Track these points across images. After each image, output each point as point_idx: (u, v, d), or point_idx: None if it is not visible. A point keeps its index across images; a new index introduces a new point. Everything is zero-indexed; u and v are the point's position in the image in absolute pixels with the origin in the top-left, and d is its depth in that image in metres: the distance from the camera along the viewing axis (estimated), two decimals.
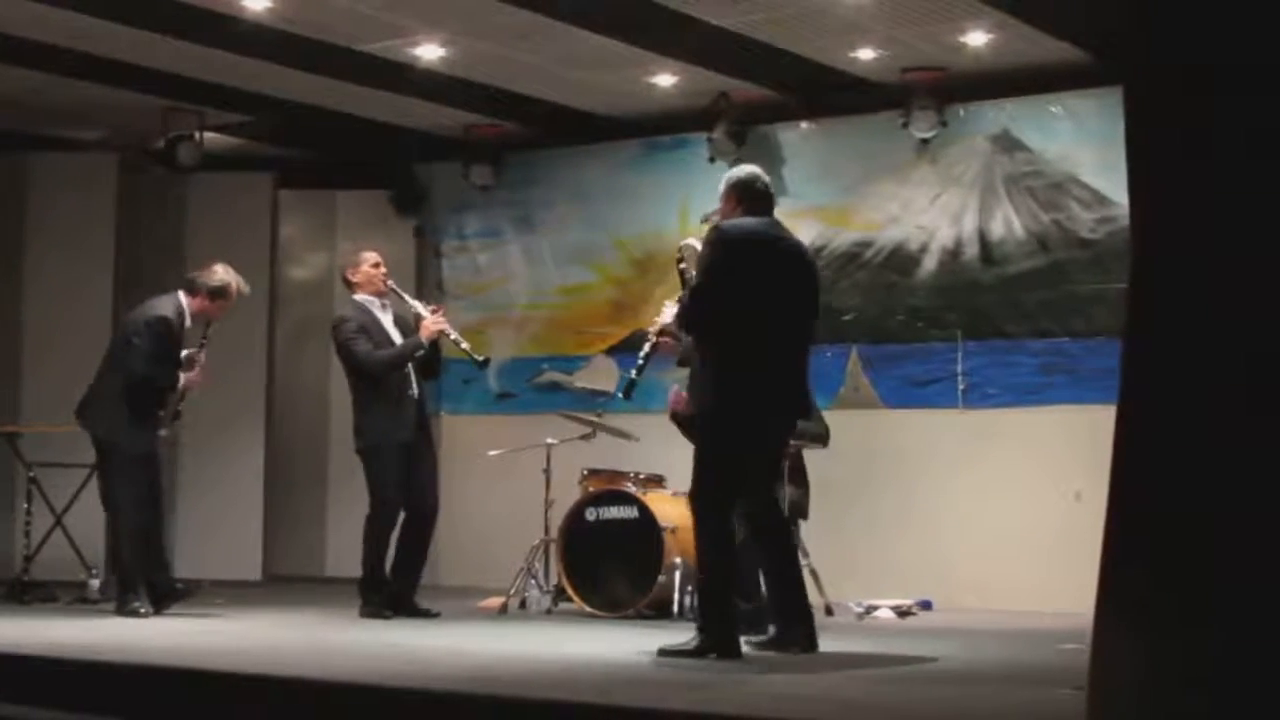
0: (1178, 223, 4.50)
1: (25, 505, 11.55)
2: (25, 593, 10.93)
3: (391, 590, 10.01)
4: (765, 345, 7.95)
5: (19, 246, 13.50)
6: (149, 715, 6.71)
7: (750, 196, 8.12)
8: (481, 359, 10.61)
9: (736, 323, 7.86)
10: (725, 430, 7.92)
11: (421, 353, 10.06)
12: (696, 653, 7.62)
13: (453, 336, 10.21)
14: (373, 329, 10.06)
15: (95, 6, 10.66)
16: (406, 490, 10.07)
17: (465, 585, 12.62)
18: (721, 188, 8.21)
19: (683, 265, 8.67)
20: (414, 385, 10.08)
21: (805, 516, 10.78)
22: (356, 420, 10.09)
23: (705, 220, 8.38)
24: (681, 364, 9.20)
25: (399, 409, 10.01)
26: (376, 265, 10.17)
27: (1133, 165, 4.68)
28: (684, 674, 7.17)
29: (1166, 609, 4.35)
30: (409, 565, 10.16)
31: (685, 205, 12.68)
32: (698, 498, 7.97)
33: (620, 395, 9.53)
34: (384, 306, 10.20)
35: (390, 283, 10.22)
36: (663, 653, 7.70)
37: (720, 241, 7.91)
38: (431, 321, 10.08)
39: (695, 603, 8.20)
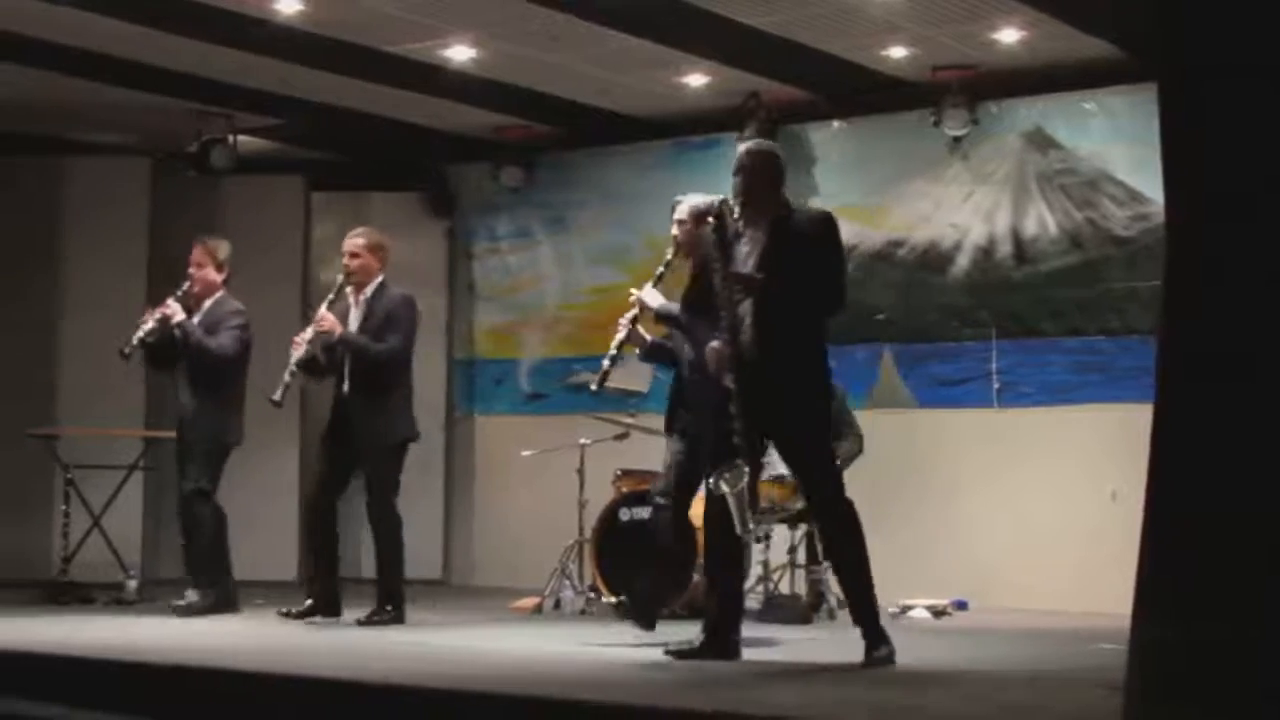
0: (1213, 220, 4.49)
1: (63, 507, 11.61)
2: (63, 594, 10.97)
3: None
4: None
5: (54, 251, 13.55)
6: (188, 716, 6.73)
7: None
8: (275, 399, 9.74)
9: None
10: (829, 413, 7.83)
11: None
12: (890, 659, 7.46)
13: (289, 366, 9.71)
14: None
15: (127, 12, 10.70)
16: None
17: (499, 586, 12.64)
18: (758, 162, 7.76)
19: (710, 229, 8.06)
20: (343, 386, 9.80)
21: None
22: None
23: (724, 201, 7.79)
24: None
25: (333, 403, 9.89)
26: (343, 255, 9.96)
27: (1167, 162, 4.67)
28: (718, 674, 7.17)
29: (1206, 609, 4.33)
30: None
31: None
32: (840, 496, 7.67)
33: (593, 389, 9.00)
34: (355, 299, 9.94)
35: (339, 276, 9.91)
36: (874, 663, 7.41)
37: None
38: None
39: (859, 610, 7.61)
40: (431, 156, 14.33)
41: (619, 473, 10.95)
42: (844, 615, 10.24)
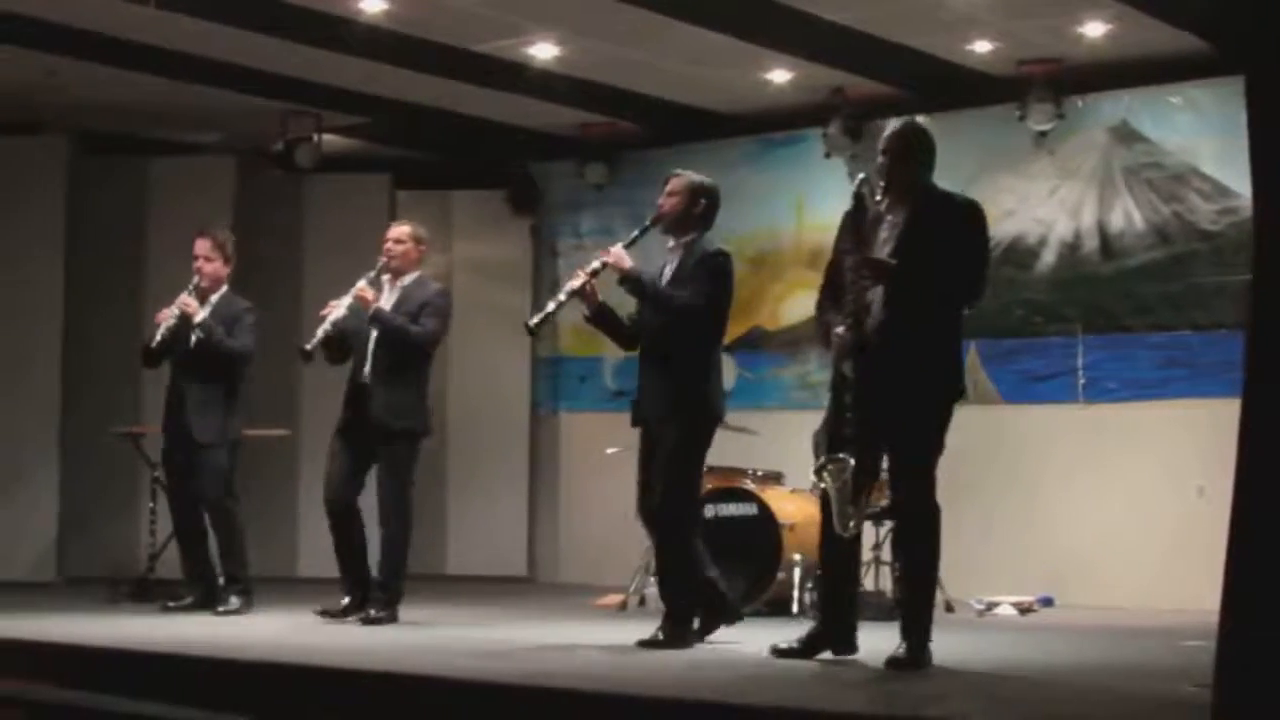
0: None
1: (150, 505, 11.69)
2: (151, 591, 11.03)
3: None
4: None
5: (140, 249, 13.63)
6: (280, 713, 6.77)
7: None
8: (307, 348, 9.53)
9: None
10: (949, 416, 7.50)
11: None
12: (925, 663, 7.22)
13: (325, 324, 9.51)
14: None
15: (213, 11, 10.77)
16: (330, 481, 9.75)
17: (584, 583, 12.66)
18: (901, 143, 7.54)
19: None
20: (362, 371, 9.60)
21: None
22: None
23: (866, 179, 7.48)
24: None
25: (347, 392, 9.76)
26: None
27: (1255, 157, 4.63)
28: (803, 672, 7.16)
29: None
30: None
31: (800, 202, 12.66)
32: (930, 501, 7.38)
33: (530, 325, 8.56)
34: (390, 285, 9.75)
35: (381, 259, 9.72)
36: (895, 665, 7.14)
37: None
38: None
39: (906, 610, 7.36)
40: (516, 154, 14.37)
41: (704, 469, 10.92)
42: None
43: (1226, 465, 4.68)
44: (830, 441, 7.37)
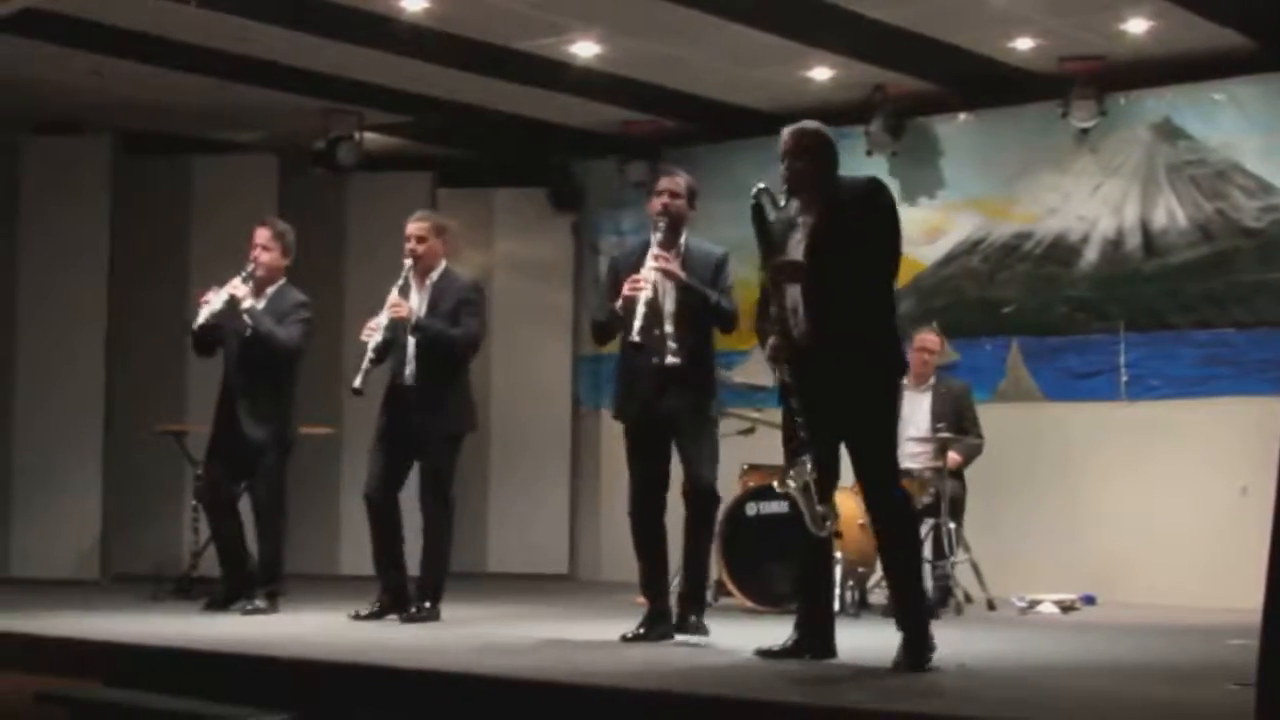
0: None
1: (193, 503, 11.71)
2: (193, 588, 11.06)
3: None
4: None
5: (183, 247, 13.68)
6: (320, 711, 6.79)
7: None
8: (356, 386, 9.30)
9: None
10: (896, 397, 7.58)
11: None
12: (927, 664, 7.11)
13: (367, 354, 9.40)
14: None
15: (255, 10, 10.81)
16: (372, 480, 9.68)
17: (625, 580, 12.64)
18: (802, 145, 7.53)
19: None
20: (403, 371, 9.52)
21: (962, 513, 10.76)
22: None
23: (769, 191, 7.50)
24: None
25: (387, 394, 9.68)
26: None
27: None
28: (840, 671, 7.15)
29: None
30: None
31: None
32: (897, 490, 7.35)
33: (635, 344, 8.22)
34: (418, 284, 9.64)
35: (406, 261, 9.61)
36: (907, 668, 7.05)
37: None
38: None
39: (908, 609, 7.23)
40: (557, 152, 14.38)
41: (745, 467, 10.94)
42: (971, 610, 10.28)
43: (1270, 464, 4.67)
44: (787, 446, 7.38)
